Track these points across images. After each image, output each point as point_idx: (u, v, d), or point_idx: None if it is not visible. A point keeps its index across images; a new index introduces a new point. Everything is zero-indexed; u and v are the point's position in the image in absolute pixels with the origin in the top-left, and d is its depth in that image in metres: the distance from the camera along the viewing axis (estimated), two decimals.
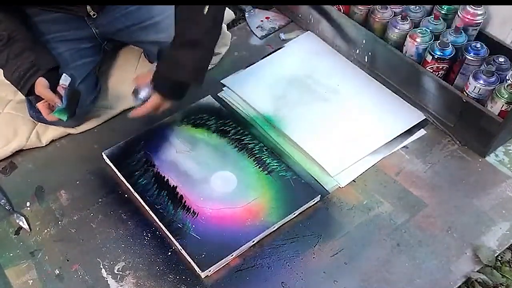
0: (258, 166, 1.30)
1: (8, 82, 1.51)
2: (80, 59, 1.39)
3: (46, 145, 1.40)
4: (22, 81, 1.22)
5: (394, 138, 1.36)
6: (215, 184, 1.27)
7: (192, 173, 1.29)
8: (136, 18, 1.41)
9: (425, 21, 1.38)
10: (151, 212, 1.22)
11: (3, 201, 1.28)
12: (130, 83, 1.50)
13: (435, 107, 1.36)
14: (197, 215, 1.21)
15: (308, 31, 1.67)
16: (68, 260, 1.18)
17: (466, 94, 1.27)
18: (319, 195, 1.24)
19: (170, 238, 1.19)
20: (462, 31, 1.32)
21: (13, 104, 1.47)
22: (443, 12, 1.39)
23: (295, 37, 1.66)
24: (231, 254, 1.15)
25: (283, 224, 1.21)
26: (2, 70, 1.28)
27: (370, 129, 1.38)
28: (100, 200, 1.28)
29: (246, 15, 1.74)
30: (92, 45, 1.43)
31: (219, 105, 1.45)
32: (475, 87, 1.25)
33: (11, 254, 1.19)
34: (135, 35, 1.44)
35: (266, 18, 1.73)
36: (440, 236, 1.18)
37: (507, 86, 1.21)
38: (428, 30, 1.35)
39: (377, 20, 1.43)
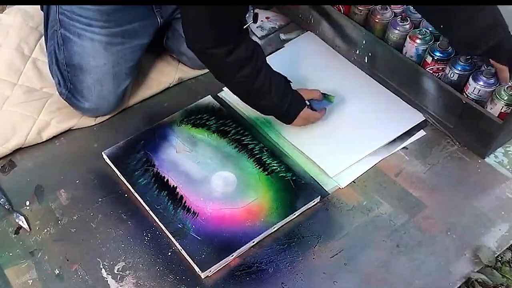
0: (258, 167, 1.30)
1: (5, 78, 1.50)
2: (133, 60, 1.40)
3: (46, 144, 1.40)
4: None
5: (394, 139, 1.36)
6: (215, 184, 1.27)
7: (192, 173, 1.29)
8: None
9: (425, 22, 1.38)
10: (151, 212, 1.22)
11: (2, 200, 1.27)
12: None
13: (435, 108, 1.36)
14: (197, 216, 1.21)
15: (308, 31, 1.67)
16: (68, 260, 1.18)
17: (466, 96, 1.28)
18: (319, 196, 1.25)
19: (170, 238, 1.19)
20: None
21: (11, 100, 1.45)
22: None
23: (295, 37, 1.66)
24: (231, 255, 1.15)
25: (283, 225, 1.21)
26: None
27: (369, 130, 1.38)
28: (100, 200, 1.28)
29: (246, 15, 1.74)
30: (148, 41, 1.43)
31: (219, 105, 1.45)
32: (474, 88, 1.25)
33: (11, 254, 1.19)
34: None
35: (266, 18, 1.72)
36: (439, 237, 1.18)
37: (507, 88, 1.21)
38: (428, 31, 1.34)
39: (377, 20, 1.43)
